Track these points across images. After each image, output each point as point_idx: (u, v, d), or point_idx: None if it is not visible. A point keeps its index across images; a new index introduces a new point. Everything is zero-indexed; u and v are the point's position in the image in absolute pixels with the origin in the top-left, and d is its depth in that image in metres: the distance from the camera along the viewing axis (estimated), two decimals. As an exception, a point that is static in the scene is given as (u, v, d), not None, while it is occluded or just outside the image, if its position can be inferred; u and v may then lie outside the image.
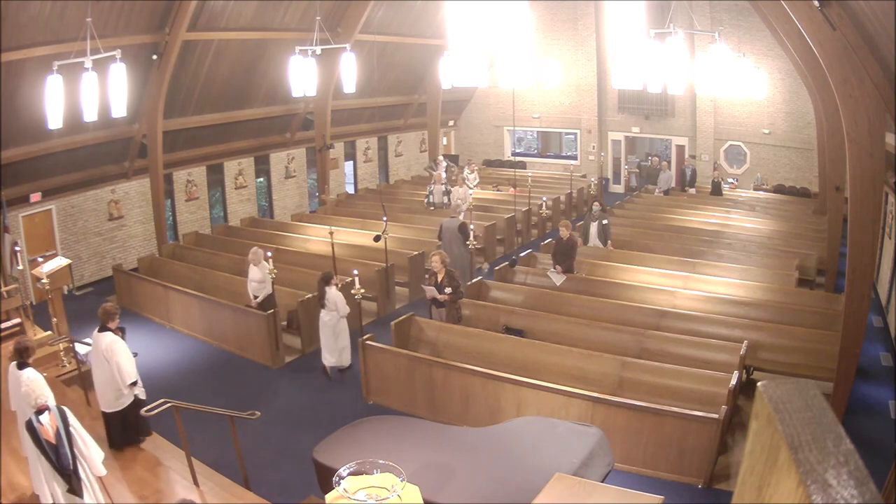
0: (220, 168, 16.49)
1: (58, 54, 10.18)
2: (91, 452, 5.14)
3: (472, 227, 11.42)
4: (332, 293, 9.13)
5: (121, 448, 6.77)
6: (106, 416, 6.80)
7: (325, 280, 9.21)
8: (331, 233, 11.95)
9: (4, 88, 10.54)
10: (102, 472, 5.16)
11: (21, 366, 5.93)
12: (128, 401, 6.77)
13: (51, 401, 5.20)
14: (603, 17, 19.93)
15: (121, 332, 6.91)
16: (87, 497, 5.02)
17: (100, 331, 6.74)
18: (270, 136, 17.43)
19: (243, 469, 6.45)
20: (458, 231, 11.74)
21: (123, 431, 6.82)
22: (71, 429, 5.05)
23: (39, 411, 5.07)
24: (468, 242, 11.20)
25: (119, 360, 6.60)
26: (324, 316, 9.27)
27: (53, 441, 4.89)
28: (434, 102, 21.30)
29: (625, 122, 21.92)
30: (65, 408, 5.19)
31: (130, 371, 6.70)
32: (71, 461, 4.94)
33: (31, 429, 4.97)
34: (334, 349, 9.30)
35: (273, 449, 7.64)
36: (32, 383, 5.54)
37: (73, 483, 4.93)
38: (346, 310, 9.22)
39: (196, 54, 13.78)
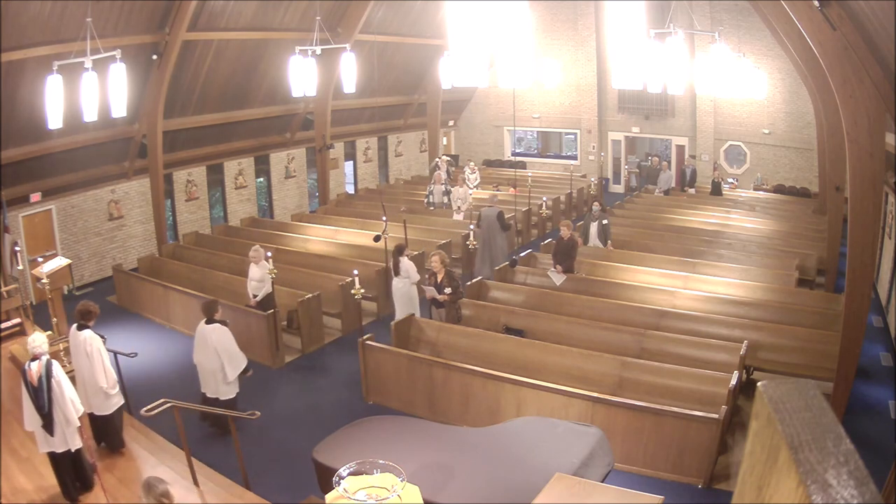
0: (220, 168, 16.49)
1: (58, 54, 10.18)
2: (67, 404, 5.82)
3: (508, 214, 12.52)
4: (406, 262, 10.08)
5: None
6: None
7: (399, 251, 10.12)
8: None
9: (4, 88, 10.54)
10: (76, 423, 5.90)
11: (81, 327, 6.74)
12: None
13: (45, 355, 5.91)
14: (603, 17, 19.93)
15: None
16: (57, 437, 5.79)
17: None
18: (270, 136, 17.43)
19: (243, 469, 6.45)
20: (496, 219, 12.45)
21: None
22: (52, 380, 5.77)
23: (33, 358, 5.84)
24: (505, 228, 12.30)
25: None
26: (397, 283, 10.11)
27: (35, 384, 5.75)
28: (434, 102, 21.30)
29: (625, 122, 21.93)
30: (54, 361, 5.91)
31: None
32: (47, 404, 5.73)
33: (23, 372, 5.84)
34: (410, 311, 9.92)
35: (273, 449, 7.64)
36: (74, 338, 6.71)
37: (46, 421, 5.75)
38: (417, 276, 10.21)
39: (196, 54, 13.78)
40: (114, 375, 6.87)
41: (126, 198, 14.38)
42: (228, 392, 7.82)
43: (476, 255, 12.76)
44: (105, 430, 6.90)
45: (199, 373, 7.95)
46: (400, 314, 9.85)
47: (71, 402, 5.84)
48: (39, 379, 5.73)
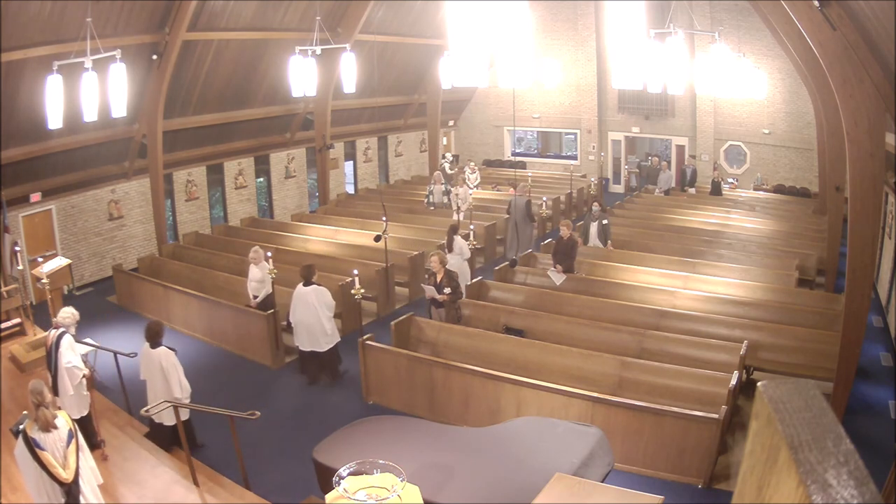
0: (220, 168, 16.49)
1: (58, 54, 10.18)
2: (63, 375, 6.57)
3: (537, 203, 13.63)
4: (459, 240, 11.24)
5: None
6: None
7: (454, 230, 11.37)
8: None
9: (4, 88, 10.54)
10: (70, 391, 6.66)
11: (154, 346, 7.13)
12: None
13: (63, 328, 6.76)
14: (603, 17, 19.93)
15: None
16: (60, 385, 6.62)
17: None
18: (270, 136, 17.42)
19: (243, 469, 6.45)
20: (524, 208, 13.25)
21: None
22: (59, 350, 6.56)
23: (56, 326, 6.81)
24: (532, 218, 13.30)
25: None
26: (450, 259, 10.79)
27: (48, 349, 6.76)
28: (434, 102, 21.29)
29: (625, 122, 21.92)
30: (67, 335, 6.66)
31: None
32: (53, 369, 6.67)
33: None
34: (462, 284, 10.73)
35: (273, 449, 7.64)
36: (147, 356, 7.18)
37: (52, 382, 6.60)
38: (469, 253, 11.40)
39: (196, 54, 13.78)
40: (188, 386, 7.19)
41: (126, 198, 14.38)
42: (331, 341, 9.15)
43: (505, 242, 13.85)
44: (175, 437, 6.98)
45: (299, 332, 9.17)
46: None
47: (66, 374, 6.52)
48: (51, 345, 6.54)
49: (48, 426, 4.87)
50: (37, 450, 4.81)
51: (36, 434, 4.86)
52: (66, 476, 4.84)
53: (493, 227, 14.80)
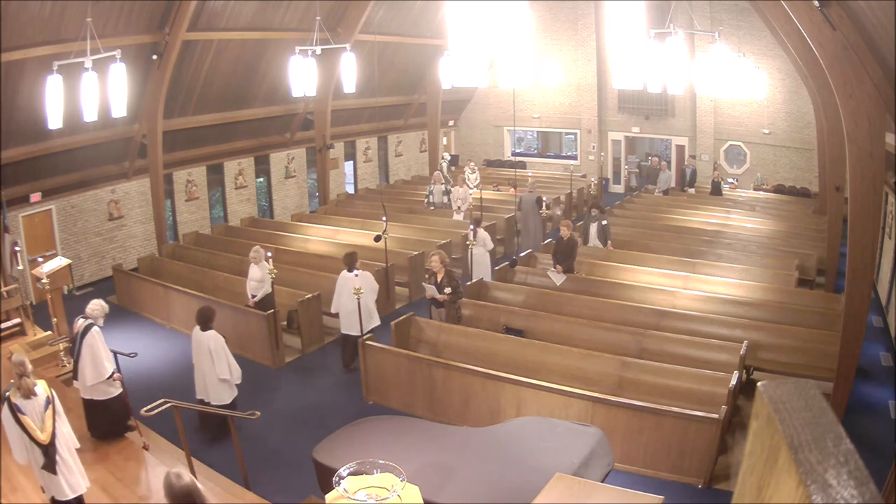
0: (220, 168, 16.49)
1: (58, 54, 10.18)
2: (86, 366, 6.87)
3: (545, 199, 14.34)
4: (482, 232, 11.80)
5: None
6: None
7: (477, 222, 11.93)
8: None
9: (4, 88, 10.54)
10: (89, 381, 6.92)
11: (204, 328, 7.53)
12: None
13: (91, 320, 7.03)
14: (603, 18, 19.93)
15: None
16: (80, 373, 6.89)
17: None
18: (270, 136, 17.42)
19: (243, 469, 6.45)
20: (535, 203, 13.92)
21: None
22: (84, 340, 6.86)
23: (84, 316, 7.06)
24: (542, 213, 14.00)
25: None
26: (474, 250, 11.72)
27: (74, 336, 7.06)
28: (434, 102, 21.29)
29: (625, 122, 21.92)
30: (95, 327, 6.94)
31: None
32: (76, 356, 6.97)
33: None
34: (484, 275, 11.50)
35: (273, 449, 7.64)
36: (196, 338, 7.62)
37: (74, 369, 7.07)
38: (492, 245, 12.17)
39: (196, 54, 13.78)
40: (238, 369, 7.66)
41: (126, 198, 14.38)
42: (373, 324, 9.54)
43: (521, 235, 14.83)
44: (224, 424, 7.35)
45: (343, 316, 9.56)
46: (476, 277, 11.36)
47: (91, 367, 6.81)
48: (77, 334, 6.89)
49: (29, 394, 5.37)
50: (18, 414, 5.29)
51: (18, 400, 5.34)
52: (43, 438, 5.32)
53: (492, 227, 14.75)
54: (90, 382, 6.89)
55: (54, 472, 5.34)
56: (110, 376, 6.94)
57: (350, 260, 9.54)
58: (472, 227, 11.84)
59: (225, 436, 7.38)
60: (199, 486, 3.98)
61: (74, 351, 6.99)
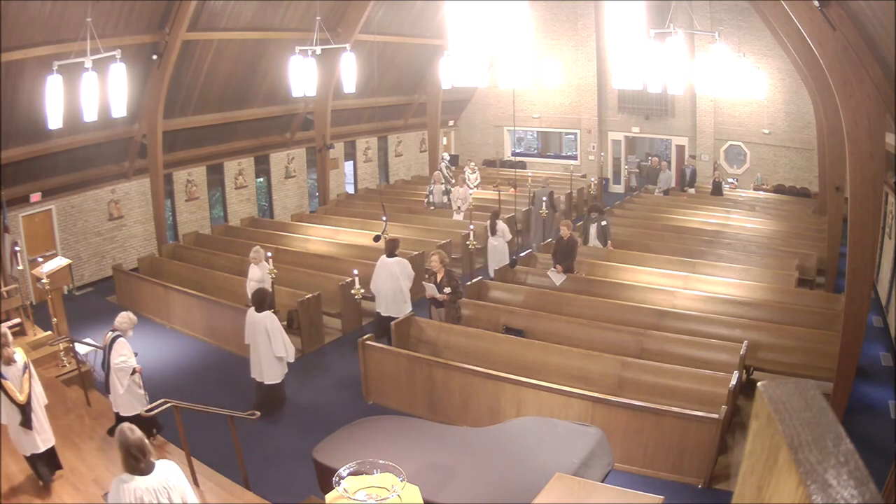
0: (220, 168, 16.48)
1: (58, 54, 10.18)
2: (114, 370, 7.01)
3: (508, 215, 14.39)
4: (500, 224, 12.41)
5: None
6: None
7: (496, 215, 12.46)
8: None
9: (4, 88, 10.53)
10: (121, 389, 7.07)
11: (259, 310, 8.18)
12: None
13: (119, 332, 7.16)
14: (603, 17, 19.93)
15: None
16: (112, 385, 7.05)
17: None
18: (270, 136, 17.42)
19: (243, 469, 6.45)
20: (548, 199, 14.43)
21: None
22: (112, 351, 7.01)
23: (113, 329, 7.25)
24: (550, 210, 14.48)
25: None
26: (493, 241, 12.39)
27: (102, 348, 7.40)
28: (434, 102, 21.29)
29: (625, 122, 21.92)
30: (121, 339, 7.06)
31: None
32: (106, 366, 7.15)
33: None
34: (502, 265, 11.81)
35: (273, 449, 7.64)
36: (251, 318, 8.32)
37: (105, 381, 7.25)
38: (510, 236, 12.81)
39: (196, 54, 13.78)
40: (292, 346, 8.35)
41: (126, 198, 14.38)
42: (408, 309, 9.85)
43: (530, 231, 15.31)
44: (269, 396, 8.35)
45: (380, 298, 9.96)
46: (492, 267, 11.93)
47: (116, 374, 6.99)
48: (105, 346, 7.14)
49: (10, 361, 6.03)
50: (2, 380, 5.94)
51: (1, 368, 5.98)
52: (21, 399, 5.99)
53: (511, 220, 14.77)
54: (121, 391, 7.01)
55: (30, 427, 6.01)
56: (133, 372, 7.05)
57: (392, 246, 9.98)
58: (491, 218, 12.44)
59: (276, 411, 8.34)
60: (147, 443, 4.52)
61: (104, 364, 7.20)
